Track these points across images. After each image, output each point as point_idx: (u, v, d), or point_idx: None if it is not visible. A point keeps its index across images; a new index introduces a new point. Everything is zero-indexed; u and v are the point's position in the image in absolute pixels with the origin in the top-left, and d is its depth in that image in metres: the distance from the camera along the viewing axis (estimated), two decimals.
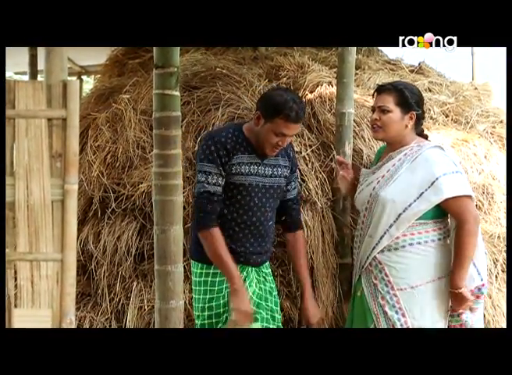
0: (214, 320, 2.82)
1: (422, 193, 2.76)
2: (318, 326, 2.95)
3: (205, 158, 2.75)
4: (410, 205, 2.77)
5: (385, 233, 2.82)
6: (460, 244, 2.73)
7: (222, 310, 2.81)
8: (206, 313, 2.82)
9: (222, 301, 2.81)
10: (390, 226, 2.81)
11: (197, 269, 2.86)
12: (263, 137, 2.75)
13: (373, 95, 3.00)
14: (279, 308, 2.98)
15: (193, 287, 2.87)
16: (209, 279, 2.83)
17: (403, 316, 2.78)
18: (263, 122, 2.74)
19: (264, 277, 2.95)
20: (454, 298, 2.77)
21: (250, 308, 2.74)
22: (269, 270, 3.01)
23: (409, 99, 2.86)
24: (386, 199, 2.80)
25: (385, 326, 2.81)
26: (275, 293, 2.98)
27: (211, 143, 2.77)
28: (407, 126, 2.87)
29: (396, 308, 2.79)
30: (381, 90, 2.93)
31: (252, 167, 2.80)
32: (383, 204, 2.81)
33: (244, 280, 2.82)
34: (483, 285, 2.82)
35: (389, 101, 2.86)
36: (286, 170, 2.93)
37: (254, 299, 2.83)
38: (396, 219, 2.80)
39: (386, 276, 2.82)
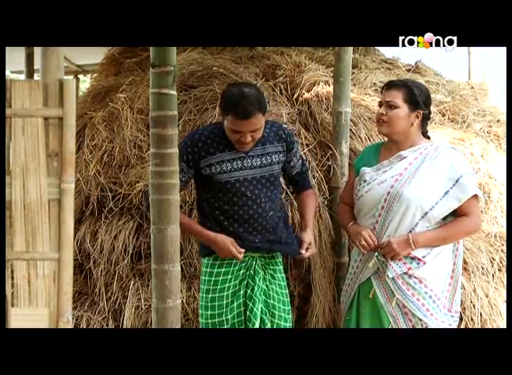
0: (217, 320, 2.81)
1: (448, 191, 2.79)
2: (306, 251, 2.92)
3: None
4: (437, 204, 2.78)
5: (410, 232, 2.80)
6: (454, 226, 2.81)
7: (224, 310, 2.81)
8: (209, 312, 2.83)
9: (224, 302, 2.81)
10: (416, 225, 2.80)
11: (206, 269, 2.89)
12: (227, 134, 2.76)
13: (381, 91, 2.99)
14: (288, 308, 2.93)
15: (201, 286, 2.90)
16: (212, 278, 2.84)
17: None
18: (223, 119, 2.76)
19: (271, 275, 2.91)
20: (399, 241, 2.78)
21: (229, 246, 2.76)
22: (279, 267, 2.96)
23: (417, 97, 2.86)
24: (411, 198, 2.78)
25: (405, 327, 2.80)
26: (283, 291, 2.94)
27: (185, 140, 2.85)
28: (412, 124, 2.87)
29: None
30: (390, 85, 2.92)
31: (235, 163, 2.79)
32: (408, 202, 2.78)
33: (253, 277, 2.84)
34: (450, 311, 2.88)
35: (398, 97, 2.85)
36: (278, 155, 2.88)
37: (259, 297, 2.83)
38: (422, 217, 2.79)
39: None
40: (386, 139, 3.02)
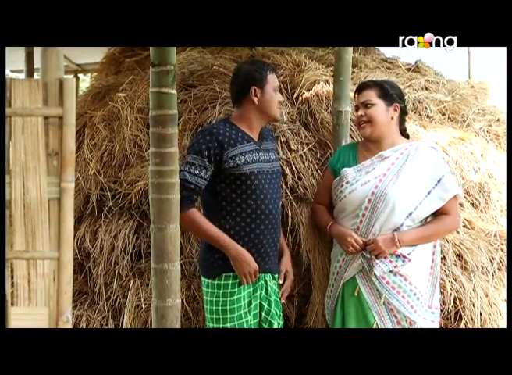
0: (236, 322, 2.77)
1: (430, 191, 2.87)
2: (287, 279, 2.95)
3: (192, 150, 2.79)
4: (420, 203, 2.85)
5: (395, 231, 2.85)
6: (437, 225, 2.89)
7: (242, 312, 2.78)
8: (228, 316, 2.77)
9: (242, 303, 2.79)
10: (401, 225, 2.85)
11: (213, 290, 2.82)
12: (268, 103, 2.86)
13: (354, 96, 3.07)
14: (280, 306, 2.97)
15: (211, 290, 2.81)
16: (230, 281, 2.79)
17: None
18: (260, 91, 2.84)
19: (274, 290, 2.92)
20: (385, 239, 2.82)
21: (252, 267, 2.75)
22: (278, 288, 2.98)
23: (390, 91, 2.96)
24: (396, 198, 2.83)
25: (390, 324, 2.85)
26: (278, 290, 2.96)
27: (201, 136, 2.80)
28: (392, 118, 2.96)
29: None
30: (361, 88, 3.01)
31: (255, 154, 2.82)
32: (393, 202, 2.83)
33: (267, 290, 2.85)
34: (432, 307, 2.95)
35: (372, 96, 2.94)
36: (274, 153, 2.99)
37: (274, 297, 2.87)
38: (407, 217, 2.85)
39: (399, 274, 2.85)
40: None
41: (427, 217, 2.91)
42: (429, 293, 2.94)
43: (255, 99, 2.84)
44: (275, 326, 2.83)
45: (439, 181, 2.87)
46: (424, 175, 2.88)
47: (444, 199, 2.87)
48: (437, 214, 2.91)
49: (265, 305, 2.83)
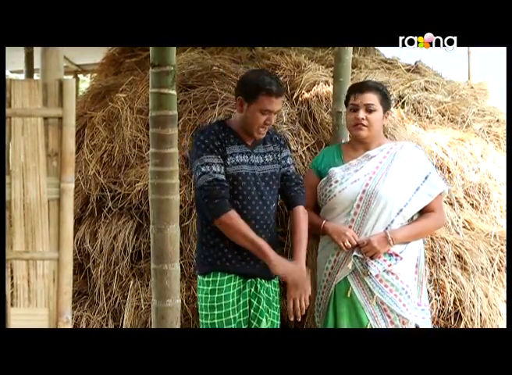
0: (224, 319, 2.77)
1: (418, 187, 2.91)
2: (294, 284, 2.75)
3: (203, 151, 2.73)
4: (410, 200, 2.88)
5: (386, 228, 2.86)
6: (427, 222, 2.93)
7: (230, 308, 2.79)
8: (216, 312, 2.78)
9: (231, 300, 2.79)
10: (392, 222, 2.87)
11: (204, 286, 2.82)
12: (250, 120, 2.77)
13: (354, 94, 2.98)
14: (278, 306, 2.97)
15: (201, 287, 2.82)
16: (218, 278, 2.80)
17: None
18: (246, 105, 2.77)
19: (273, 295, 2.92)
20: (379, 238, 2.82)
21: (301, 275, 2.72)
22: (277, 289, 2.97)
23: (388, 99, 3.00)
24: (388, 195, 2.85)
25: (384, 324, 2.85)
26: (276, 289, 2.96)
27: (204, 137, 2.77)
28: (383, 124, 3.06)
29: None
30: (363, 88, 2.96)
31: (244, 156, 2.82)
32: (385, 200, 2.84)
33: (256, 287, 2.83)
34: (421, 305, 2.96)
35: (375, 100, 2.93)
36: (276, 155, 2.94)
37: (263, 294, 2.85)
38: (398, 214, 2.87)
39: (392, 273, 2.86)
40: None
41: (413, 216, 2.93)
42: (417, 291, 2.95)
43: (238, 108, 2.81)
44: (264, 323, 2.81)
45: (426, 178, 2.92)
46: (412, 172, 2.92)
47: (432, 195, 2.91)
48: (423, 212, 2.94)
49: (254, 302, 2.83)
